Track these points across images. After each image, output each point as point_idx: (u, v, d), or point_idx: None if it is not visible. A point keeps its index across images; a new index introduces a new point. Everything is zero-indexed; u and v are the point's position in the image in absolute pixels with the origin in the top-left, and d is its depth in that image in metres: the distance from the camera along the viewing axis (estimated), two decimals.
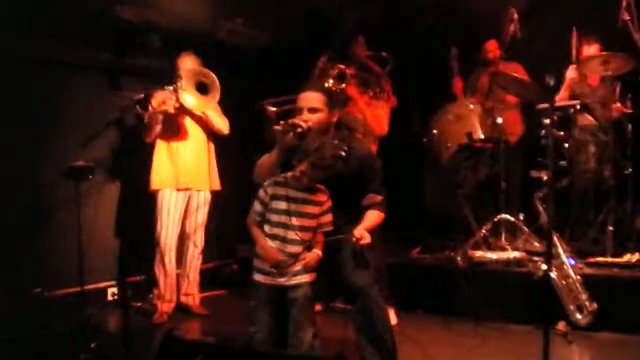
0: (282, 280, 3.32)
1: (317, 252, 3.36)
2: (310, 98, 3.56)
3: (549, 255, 3.34)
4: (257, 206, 3.38)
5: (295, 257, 3.32)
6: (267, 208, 3.36)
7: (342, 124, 3.72)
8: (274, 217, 3.34)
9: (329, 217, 3.42)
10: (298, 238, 3.31)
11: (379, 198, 3.59)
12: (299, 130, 3.43)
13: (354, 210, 3.58)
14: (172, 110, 4.97)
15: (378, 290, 3.50)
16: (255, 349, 3.02)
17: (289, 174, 3.38)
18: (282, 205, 3.33)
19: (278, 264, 3.30)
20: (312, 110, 3.53)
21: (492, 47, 6.30)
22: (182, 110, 5.03)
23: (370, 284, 3.44)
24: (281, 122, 3.51)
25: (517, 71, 5.98)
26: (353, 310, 3.48)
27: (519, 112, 6.32)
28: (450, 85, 6.45)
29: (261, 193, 3.38)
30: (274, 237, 3.33)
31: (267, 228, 3.36)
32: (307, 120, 3.49)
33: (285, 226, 3.32)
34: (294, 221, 3.31)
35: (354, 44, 5.98)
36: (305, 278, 3.34)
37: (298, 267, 3.32)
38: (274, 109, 4.96)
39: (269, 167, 3.54)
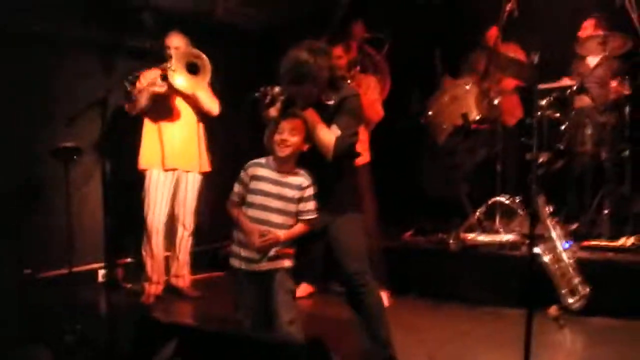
0: (255, 267, 3.25)
1: (278, 233, 3.22)
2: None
3: (532, 237, 3.25)
4: (236, 187, 3.32)
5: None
6: (247, 189, 3.29)
7: (333, 78, 3.37)
8: (254, 199, 3.26)
9: (310, 205, 3.29)
10: (278, 222, 3.24)
11: (339, 133, 3.27)
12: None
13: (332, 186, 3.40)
14: (162, 91, 4.91)
15: (371, 276, 3.40)
16: (230, 333, 2.98)
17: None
18: (262, 186, 3.25)
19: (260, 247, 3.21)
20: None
21: (494, 34, 6.14)
22: (172, 90, 4.96)
23: (363, 269, 3.34)
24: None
25: (515, 52, 5.88)
26: (346, 295, 3.44)
27: (517, 95, 6.21)
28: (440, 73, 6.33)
29: (242, 174, 3.32)
30: (253, 219, 3.24)
31: (247, 210, 3.28)
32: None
33: (265, 208, 3.24)
34: (274, 203, 3.24)
35: (352, 26, 5.88)
36: (278, 264, 3.26)
37: (272, 252, 3.24)
38: None
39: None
